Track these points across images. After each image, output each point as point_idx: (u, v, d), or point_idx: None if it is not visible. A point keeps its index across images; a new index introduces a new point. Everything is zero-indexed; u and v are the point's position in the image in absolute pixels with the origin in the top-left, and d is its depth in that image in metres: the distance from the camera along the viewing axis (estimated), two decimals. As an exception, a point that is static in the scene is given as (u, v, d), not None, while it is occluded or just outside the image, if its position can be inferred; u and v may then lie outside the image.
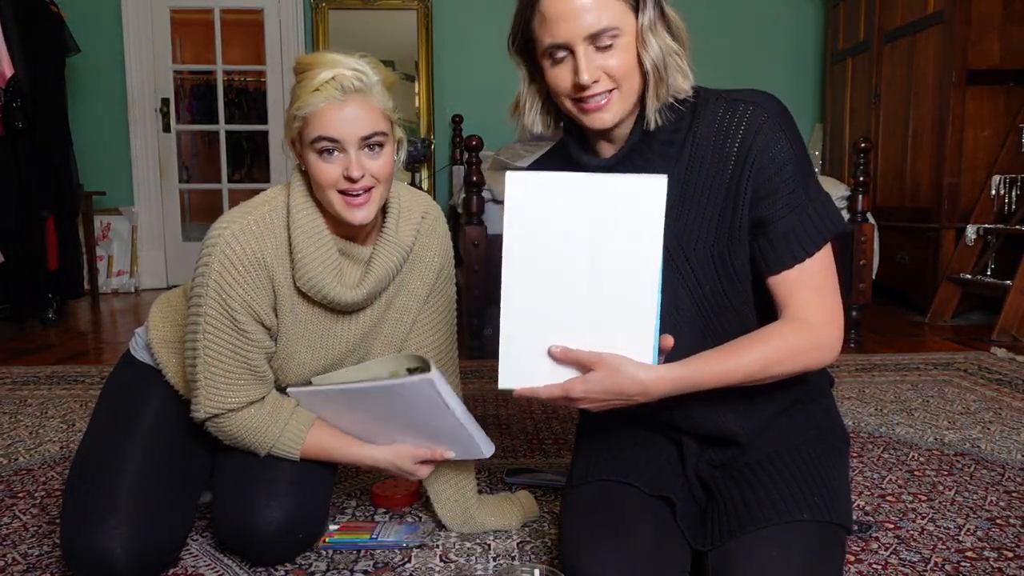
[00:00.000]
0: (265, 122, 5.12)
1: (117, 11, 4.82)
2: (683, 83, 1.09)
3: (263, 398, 1.30)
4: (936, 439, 1.99)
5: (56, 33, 3.90)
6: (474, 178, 2.85)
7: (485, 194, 2.92)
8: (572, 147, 1.17)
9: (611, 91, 1.06)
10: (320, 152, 1.19)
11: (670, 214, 1.04)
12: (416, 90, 4.90)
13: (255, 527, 1.26)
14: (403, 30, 4.95)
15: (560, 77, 1.07)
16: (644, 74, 1.07)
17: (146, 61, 4.90)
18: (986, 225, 3.60)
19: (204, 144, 6.40)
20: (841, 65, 4.71)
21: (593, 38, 1.03)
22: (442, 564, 1.32)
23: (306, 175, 1.26)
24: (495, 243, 2.93)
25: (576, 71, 1.04)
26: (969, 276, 3.58)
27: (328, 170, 1.20)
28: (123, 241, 4.95)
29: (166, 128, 5.00)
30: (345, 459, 1.35)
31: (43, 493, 1.66)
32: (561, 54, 1.06)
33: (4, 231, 3.57)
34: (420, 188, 4.90)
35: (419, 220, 1.37)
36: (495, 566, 1.32)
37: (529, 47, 1.12)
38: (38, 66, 3.74)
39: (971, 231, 3.61)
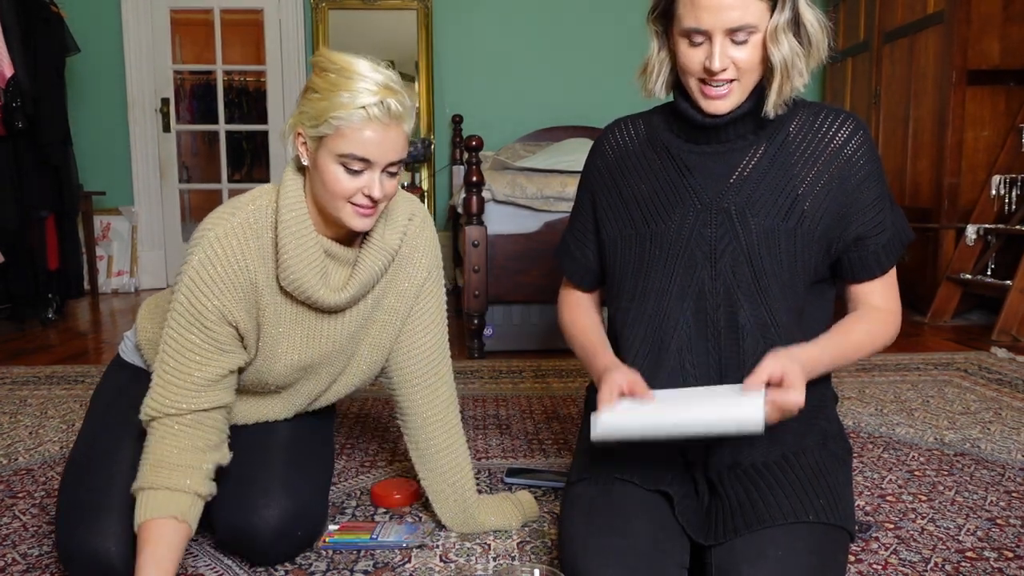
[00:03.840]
0: (265, 122, 5.12)
1: (117, 11, 4.82)
2: (798, 82, 1.16)
3: (201, 420, 1.22)
4: (936, 439, 1.99)
5: (56, 33, 3.89)
6: (474, 178, 2.85)
7: (485, 194, 2.92)
8: (682, 103, 1.22)
9: (732, 82, 1.14)
10: (346, 167, 1.18)
11: (741, 184, 1.17)
12: (416, 90, 4.90)
13: (253, 527, 1.26)
14: (403, 30, 4.95)
15: (693, 58, 1.14)
16: (767, 70, 1.14)
17: (146, 61, 4.90)
18: (986, 225, 3.60)
19: (204, 144, 6.40)
20: (841, 65, 4.71)
21: (732, 31, 1.10)
22: (442, 564, 1.32)
23: (302, 176, 1.26)
24: (495, 243, 2.93)
25: (709, 57, 1.11)
26: (969, 276, 3.58)
27: (348, 185, 1.19)
28: (123, 241, 4.95)
29: (166, 128, 5.00)
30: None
31: (43, 493, 1.66)
32: (699, 39, 1.13)
33: (4, 231, 3.57)
34: (420, 188, 4.90)
35: (406, 223, 1.36)
36: (495, 566, 1.32)
37: (667, 19, 1.18)
38: (38, 66, 3.74)
39: (971, 231, 3.61)
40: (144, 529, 1.13)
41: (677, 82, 1.23)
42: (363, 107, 1.14)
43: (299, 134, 1.21)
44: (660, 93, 1.25)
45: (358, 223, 1.22)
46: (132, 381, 1.39)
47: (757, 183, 1.18)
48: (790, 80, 1.14)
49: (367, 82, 1.14)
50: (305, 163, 1.23)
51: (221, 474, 1.34)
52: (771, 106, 1.15)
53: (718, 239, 1.18)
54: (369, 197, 1.19)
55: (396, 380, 1.44)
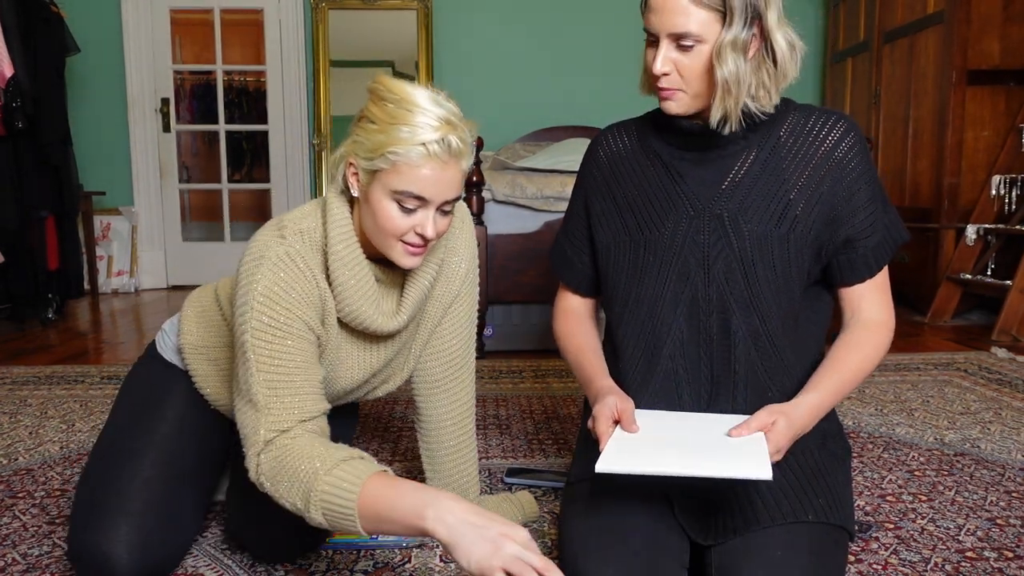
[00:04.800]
0: (265, 122, 5.12)
1: (117, 11, 4.83)
2: (761, 98, 1.14)
3: (323, 426, 1.16)
4: (936, 439, 1.99)
5: (56, 33, 3.89)
6: (474, 178, 2.85)
7: (485, 194, 2.92)
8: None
9: (678, 90, 1.14)
10: (400, 204, 1.11)
11: (734, 190, 1.16)
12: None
13: (267, 526, 1.26)
14: (403, 30, 4.95)
15: (647, 58, 1.17)
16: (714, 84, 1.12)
17: (146, 61, 4.90)
18: (986, 225, 3.60)
19: (204, 144, 6.41)
20: (841, 65, 4.72)
21: (676, 37, 1.10)
22: (442, 564, 1.32)
23: (346, 200, 1.19)
24: (495, 243, 2.93)
25: (655, 58, 1.13)
26: (969, 276, 3.58)
27: (401, 223, 1.12)
28: (123, 241, 4.96)
29: (166, 128, 5.00)
30: (412, 506, 0.99)
31: (43, 493, 1.66)
32: (651, 38, 1.15)
33: (4, 231, 3.57)
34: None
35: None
36: (495, 566, 1.32)
37: None
38: (38, 66, 3.74)
39: (971, 231, 3.61)
40: (365, 501, 0.99)
41: None
42: (423, 144, 1.07)
43: (351, 163, 1.14)
44: (644, 92, 1.24)
45: (407, 261, 1.16)
46: (168, 380, 1.38)
47: (749, 189, 1.18)
48: (734, 97, 1.11)
49: (428, 116, 1.08)
50: (355, 194, 1.16)
51: (238, 471, 1.34)
52: (713, 120, 1.14)
53: (711, 245, 1.17)
54: (421, 236, 1.14)
55: (417, 380, 1.43)
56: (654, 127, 1.27)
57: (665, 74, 1.13)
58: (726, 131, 1.15)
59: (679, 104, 1.16)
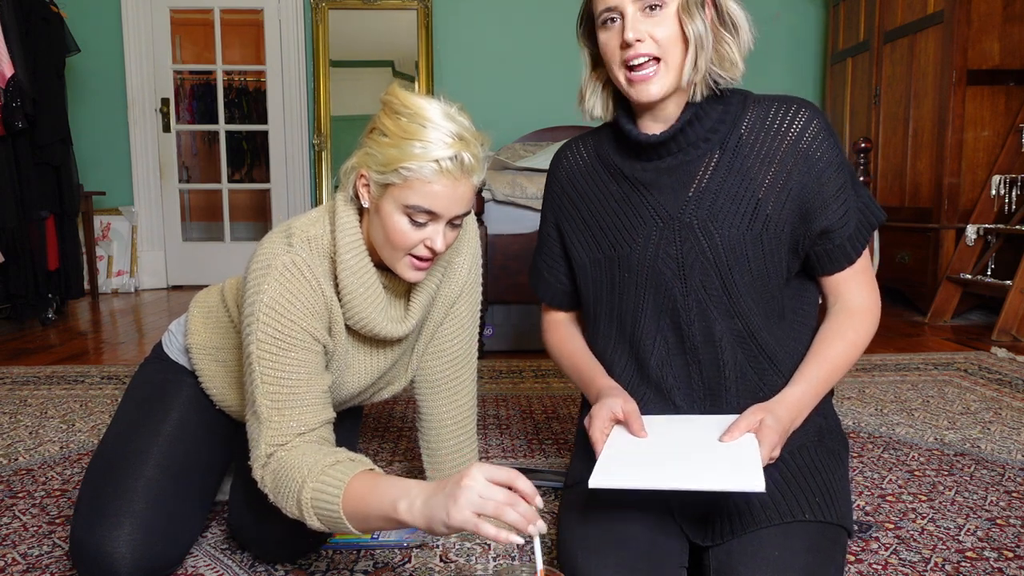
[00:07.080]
0: (265, 122, 5.12)
1: (117, 11, 4.83)
2: (728, 69, 1.14)
3: (324, 435, 1.17)
4: (936, 439, 1.99)
5: (56, 33, 3.90)
6: (474, 178, 2.85)
7: (485, 194, 2.92)
8: (624, 122, 1.20)
9: (657, 61, 1.10)
10: (411, 218, 1.11)
11: (701, 196, 1.15)
12: (416, 90, 4.90)
13: (269, 526, 1.26)
14: (403, 30, 4.95)
15: (610, 41, 1.12)
16: (687, 45, 1.10)
17: (146, 61, 4.91)
18: (986, 225, 3.60)
19: (204, 144, 6.42)
20: (841, 65, 4.72)
21: (641, 2, 1.08)
22: (442, 564, 1.33)
23: (354, 210, 1.19)
24: (495, 243, 2.93)
25: (623, 31, 1.09)
26: (969, 276, 3.58)
27: (412, 236, 1.12)
28: (123, 241, 4.96)
29: (166, 128, 5.01)
30: (389, 495, 0.99)
31: (43, 493, 1.66)
32: (613, 16, 1.11)
33: (4, 231, 3.57)
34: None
35: None
36: (495, 566, 1.32)
37: (591, 28, 1.17)
38: (38, 66, 3.74)
39: (971, 231, 3.61)
40: (348, 503, 1.00)
41: (618, 100, 1.22)
42: (436, 160, 1.07)
43: (362, 175, 1.15)
44: (599, 113, 1.23)
45: (412, 275, 1.16)
46: (173, 380, 1.38)
47: (716, 193, 1.16)
48: (707, 52, 1.10)
49: (441, 132, 1.08)
50: (365, 205, 1.16)
51: (242, 471, 1.34)
52: (685, 81, 1.12)
53: (685, 255, 1.16)
54: (430, 249, 1.14)
55: (418, 380, 1.43)
56: (611, 138, 1.26)
57: (639, 40, 1.08)
58: (698, 97, 1.14)
59: (659, 83, 1.11)
